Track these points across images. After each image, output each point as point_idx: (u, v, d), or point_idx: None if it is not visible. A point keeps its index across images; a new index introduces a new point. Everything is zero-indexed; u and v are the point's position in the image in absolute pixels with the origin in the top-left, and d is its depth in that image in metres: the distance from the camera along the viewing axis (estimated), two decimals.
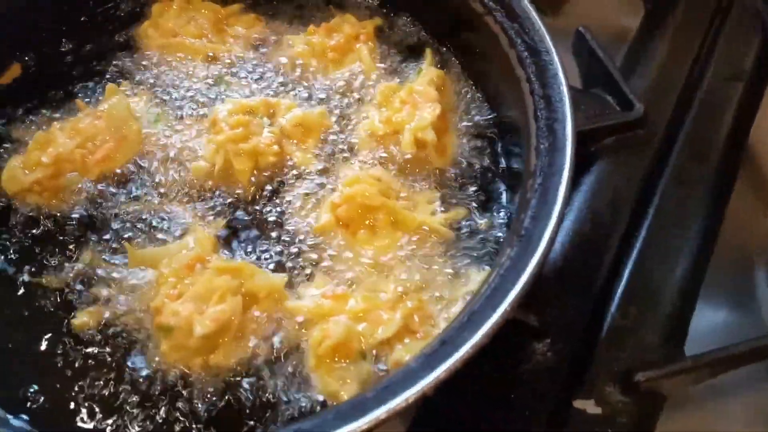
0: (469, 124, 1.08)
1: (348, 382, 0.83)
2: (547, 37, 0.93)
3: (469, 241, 0.96)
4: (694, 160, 1.19)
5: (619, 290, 1.04)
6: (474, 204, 1.00)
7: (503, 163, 1.04)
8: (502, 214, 0.99)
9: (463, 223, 0.98)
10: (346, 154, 1.04)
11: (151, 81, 1.11)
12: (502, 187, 1.01)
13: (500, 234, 0.95)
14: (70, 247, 0.95)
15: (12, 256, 0.94)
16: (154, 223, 0.97)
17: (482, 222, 0.98)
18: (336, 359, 0.85)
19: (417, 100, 1.04)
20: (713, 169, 1.19)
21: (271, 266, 0.93)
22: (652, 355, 1.00)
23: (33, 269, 0.93)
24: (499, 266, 0.78)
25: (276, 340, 0.87)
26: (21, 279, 0.92)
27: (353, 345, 0.85)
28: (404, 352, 0.84)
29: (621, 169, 1.16)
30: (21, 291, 0.92)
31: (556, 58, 0.91)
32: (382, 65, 1.14)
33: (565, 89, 0.88)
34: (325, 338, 0.85)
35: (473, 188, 1.01)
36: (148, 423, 0.82)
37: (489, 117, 1.08)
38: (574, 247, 1.09)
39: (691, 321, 1.06)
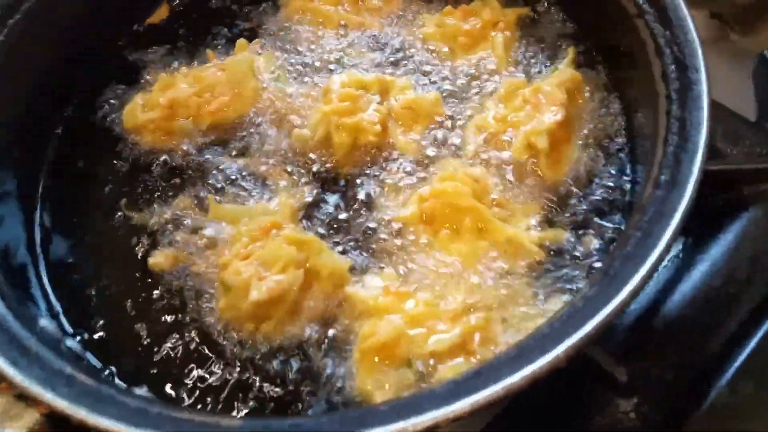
0: (596, 137, 0.96)
1: (385, 387, 0.78)
2: (700, 52, 0.79)
3: (561, 267, 0.86)
4: None
5: (737, 362, 0.88)
6: (577, 228, 0.89)
7: (623, 188, 0.91)
8: (604, 244, 0.87)
9: (560, 246, 0.87)
10: (450, 148, 0.97)
11: (281, 42, 1.11)
12: (615, 215, 0.89)
13: (598, 266, 0.83)
14: (166, 189, 0.98)
15: (113, 185, 0.99)
16: (247, 181, 0.97)
17: (580, 249, 0.87)
18: (380, 359, 0.80)
19: (541, 102, 0.94)
20: None
21: (344, 248, 0.90)
22: None
23: (129, 202, 0.97)
24: (571, 304, 0.67)
25: (329, 323, 0.84)
26: (116, 208, 0.97)
27: (400, 349, 0.79)
28: (452, 372, 0.77)
29: None
30: (112, 221, 0.96)
31: (704, 78, 0.77)
32: (517, 60, 1.05)
33: (705, 115, 0.74)
34: (374, 334, 0.80)
35: (581, 210, 0.90)
36: (185, 372, 0.83)
37: (620, 134, 0.95)
38: (695, 301, 0.94)
39: None
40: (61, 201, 0.99)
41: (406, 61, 1.06)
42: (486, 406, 0.58)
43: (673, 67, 0.81)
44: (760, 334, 0.90)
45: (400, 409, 0.60)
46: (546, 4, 1.09)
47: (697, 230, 1.03)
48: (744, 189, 1.01)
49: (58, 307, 0.89)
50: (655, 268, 0.66)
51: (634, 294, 0.65)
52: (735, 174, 1.02)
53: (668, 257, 1.04)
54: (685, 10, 0.83)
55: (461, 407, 0.58)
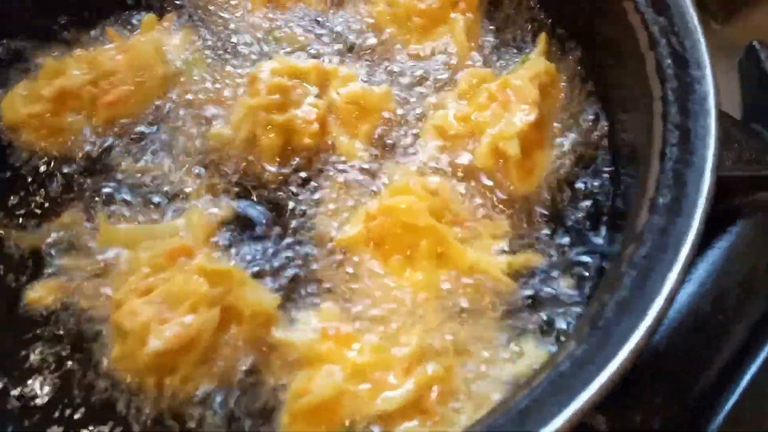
0: (574, 142, 0.83)
1: None
2: (704, 44, 0.67)
3: (537, 302, 0.73)
4: None
5: (731, 401, 0.80)
6: (555, 252, 0.76)
7: (606, 205, 0.79)
8: (590, 275, 0.74)
9: (535, 275, 0.75)
10: (403, 152, 0.84)
11: (198, 19, 0.96)
12: (599, 239, 0.77)
13: (580, 306, 0.71)
14: (51, 202, 0.83)
15: None
16: (152, 192, 0.83)
17: (561, 280, 0.75)
18: (314, 424, 0.66)
19: (510, 99, 0.83)
20: None
21: (271, 277, 0.75)
22: None
23: (3, 219, 0.82)
24: (553, 368, 0.54)
25: (252, 375, 0.70)
26: None
27: (341, 410, 0.66)
28: None
29: None
30: None
31: (710, 76, 0.65)
32: (480, 47, 0.92)
33: (713, 124, 0.61)
34: (308, 391, 0.67)
35: (559, 230, 0.78)
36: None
37: (603, 138, 0.83)
38: (681, 331, 0.84)
39: None
40: None
41: (350, 47, 0.92)
42: None
43: (669, 61, 0.69)
44: (754, 368, 0.82)
45: None
46: None
47: None
48: (735, 199, 0.91)
49: None
50: (659, 320, 0.53)
51: (635, 355, 0.52)
52: (723, 182, 0.92)
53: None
54: None
55: None
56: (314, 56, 0.91)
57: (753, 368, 0.83)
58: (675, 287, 0.54)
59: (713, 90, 0.65)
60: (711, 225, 0.90)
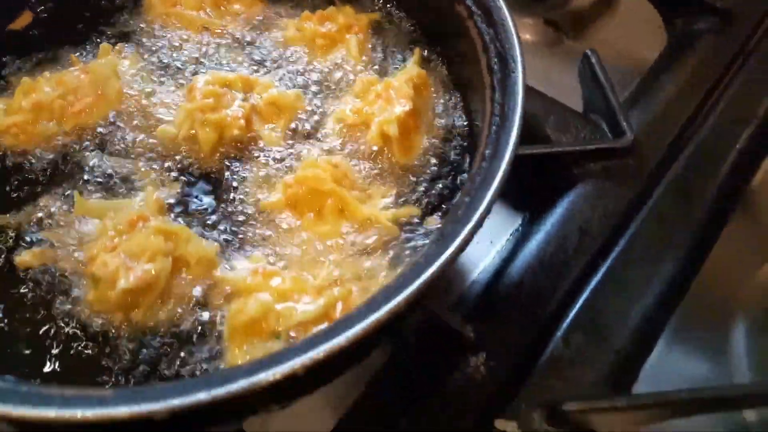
0: (441, 127, 1.06)
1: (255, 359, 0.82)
2: (518, 47, 0.91)
3: (415, 241, 0.95)
4: (680, 199, 1.15)
5: (569, 318, 1.01)
6: (428, 205, 0.98)
7: (463, 168, 1.02)
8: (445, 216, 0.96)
9: (413, 222, 0.96)
10: (312, 140, 1.04)
11: (145, 46, 1.14)
12: (458, 193, 0.99)
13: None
14: (31, 190, 0.98)
15: None
16: (114, 179, 0.99)
17: (432, 224, 0.96)
18: (249, 334, 0.84)
19: (391, 96, 1.03)
20: (701, 211, 1.14)
21: (214, 235, 0.94)
22: (591, 390, 0.96)
23: None
24: (415, 261, 0.76)
25: (199, 307, 0.88)
26: None
27: (269, 323, 0.84)
28: None
29: (600, 197, 1.13)
30: None
31: (520, 68, 0.89)
32: (370, 60, 1.14)
33: (519, 99, 0.86)
34: (242, 311, 0.85)
35: (431, 191, 1.00)
36: (59, 362, 0.84)
37: (461, 122, 1.06)
38: (532, 266, 1.06)
39: (644, 363, 1.02)
40: None
41: (267, 62, 1.13)
42: (338, 352, 0.65)
43: (496, 60, 0.93)
44: (587, 293, 1.03)
45: (261, 363, 0.65)
46: (394, 10, 1.20)
47: (534, 206, 1.17)
48: (573, 169, 1.15)
49: None
50: (478, 224, 0.75)
51: (461, 248, 0.74)
52: (563, 156, 1.17)
53: (511, 231, 1.18)
54: (506, 11, 0.95)
55: (316, 354, 0.65)
56: (238, 69, 1.10)
57: (586, 292, 1.03)
58: (491, 201, 0.74)
59: (522, 78, 0.88)
60: (554, 190, 1.15)
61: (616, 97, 1.19)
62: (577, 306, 1.02)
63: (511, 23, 0.93)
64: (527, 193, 1.17)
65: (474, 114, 1.03)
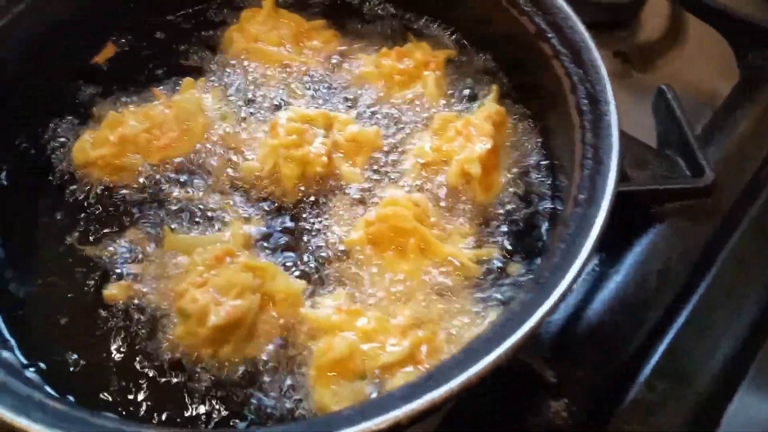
0: (522, 165, 1.06)
1: (342, 400, 0.83)
2: (609, 88, 0.91)
3: (497, 282, 0.95)
4: (760, 239, 1.12)
5: (652, 362, 0.98)
6: (509, 245, 0.98)
7: (547, 210, 1.01)
8: (535, 259, 0.96)
9: (495, 263, 0.96)
10: (392, 176, 1.05)
11: (227, 81, 1.16)
12: (541, 233, 0.99)
13: (526, 278, 0.93)
14: (118, 222, 1.01)
15: (64, 220, 1.01)
16: (199, 214, 1.01)
17: (515, 265, 0.96)
18: (336, 374, 0.85)
19: (471, 133, 1.04)
20: None
21: (297, 272, 0.95)
22: None
23: (80, 236, 0.99)
24: (510, 311, 0.76)
25: (284, 344, 0.89)
26: (67, 242, 0.98)
27: (355, 363, 0.85)
28: (404, 380, 0.83)
29: (680, 237, 1.11)
30: (64, 254, 0.98)
31: (613, 109, 0.89)
32: (447, 96, 1.15)
33: (615, 142, 0.85)
34: (329, 351, 0.85)
35: (512, 230, 1.00)
36: (147, 396, 0.86)
37: (543, 161, 1.06)
38: (612, 308, 1.05)
39: (727, 409, 0.99)
40: (11, 236, 1.00)
41: (346, 98, 1.14)
42: (441, 403, 0.65)
43: (586, 100, 0.92)
44: (669, 336, 1.00)
45: (363, 411, 0.66)
46: (470, 45, 1.20)
47: (611, 246, 1.14)
48: (651, 208, 1.13)
49: (12, 341, 0.90)
50: (579, 274, 0.75)
51: (563, 297, 0.73)
52: (642, 195, 1.15)
53: (587, 270, 1.16)
54: (595, 52, 0.94)
55: (420, 405, 0.64)
56: (318, 105, 1.12)
57: (670, 335, 1.00)
58: (592, 250, 0.75)
59: (616, 120, 0.88)
60: (632, 229, 1.13)
61: (694, 134, 1.17)
62: (660, 349, 0.99)
63: (601, 64, 0.93)
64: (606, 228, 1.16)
65: (556, 153, 1.02)
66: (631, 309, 1.04)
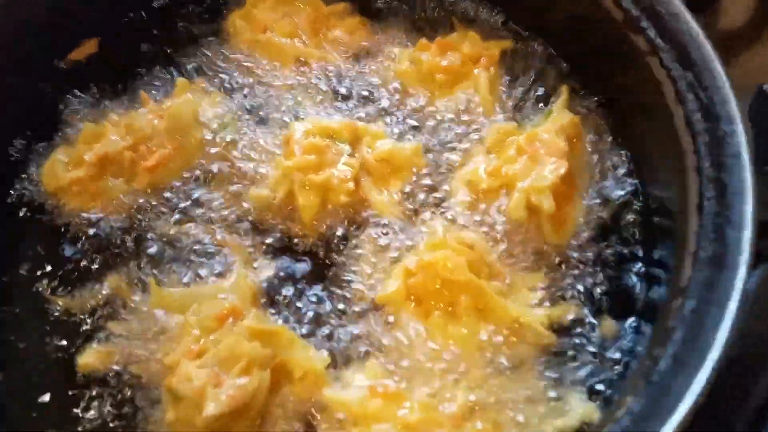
0: (603, 194, 0.84)
1: None
2: (733, 99, 0.68)
3: (577, 352, 0.74)
4: None
5: None
6: (591, 303, 0.77)
7: (642, 257, 0.79)
8: (628, 326, 0.75)
9: (573, 326, 0.75)
10: (435, 208, 0.84)
11: (229, 81, 0.96)
12: (637, 290, 0.77)
13: (618, 354, 0.72)
14: (96, 266, 0.83)
15: (31, 263, 0.83)
16: (196, 254, 0.83)
17: (598, 330, 0.75)
18: None
19: (539, 152, 0.83)
20: None
21: (318, 335, 0.76)
22: None
23: (50, 285, 0.82)
24: (615, 422, 0.55)
25: None
26: (36, 291, 0.81)
27: None
28: None
29: None
30: (32, 306, 0.80)
31: (741, 130, 0.66)
32: (503, 100, 0.92)
33: (749, 179, 0.63)
34: None
35: (594, 281, 0.78)
36: None
37: (632, 190, 0.84)
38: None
39: None
40: None
41: (376, 104, 0.92)
42: None
43: (699, 116, 0.70)
44: None
45: None
46: (533, 35, 0.96)
47: None
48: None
49: None
50: (715, 374, 0.54)
51: (694, 409, 0.53)
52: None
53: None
54: (710, 48, 0.72)
55: None
56: (342, 113, 0.91)
57: None
58: (727, 340, 0.56)
59: (746, 144, 0.66)
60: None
61: None
62: None
63: (719, 66, 0.70)
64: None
65: (654, 182, 0.80)
66: (738, 376, 0.81)
